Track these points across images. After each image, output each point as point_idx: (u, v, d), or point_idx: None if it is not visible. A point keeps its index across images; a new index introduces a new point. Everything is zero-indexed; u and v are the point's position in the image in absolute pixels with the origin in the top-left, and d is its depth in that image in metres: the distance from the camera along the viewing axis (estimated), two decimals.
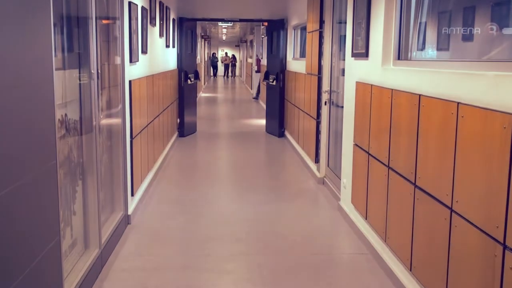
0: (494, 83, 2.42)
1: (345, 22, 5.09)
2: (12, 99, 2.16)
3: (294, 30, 9.38)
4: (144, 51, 5.78)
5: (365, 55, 4.34)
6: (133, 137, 5.02)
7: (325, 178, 6.34)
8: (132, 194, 5.00)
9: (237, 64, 36.79)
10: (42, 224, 2.56)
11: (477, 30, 3.42)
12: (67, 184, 3.41)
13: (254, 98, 18.27)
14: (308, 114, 7.30)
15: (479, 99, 2.49)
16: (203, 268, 3.93)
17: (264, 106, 12.34)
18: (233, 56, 36.68)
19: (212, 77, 34.77)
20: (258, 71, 17.93)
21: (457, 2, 3.75)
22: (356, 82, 4.57)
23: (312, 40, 6.95)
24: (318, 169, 6.55)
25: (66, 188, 3.38)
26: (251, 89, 19.74)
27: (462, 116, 2.61)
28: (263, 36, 16.86)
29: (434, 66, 3.28)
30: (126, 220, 4.71)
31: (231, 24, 16.92)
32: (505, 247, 2.22)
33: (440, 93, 2.92)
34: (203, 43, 22.59)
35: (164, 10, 7.49)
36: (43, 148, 2.56)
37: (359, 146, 4.50)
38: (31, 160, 2.40)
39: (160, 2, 7.08)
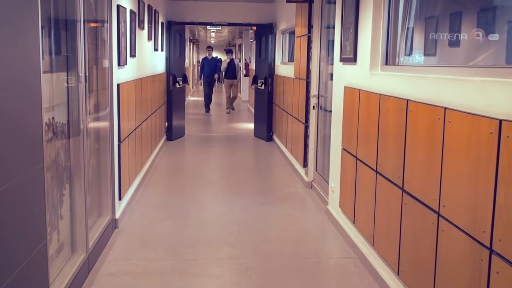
0: (481, 88, 2.44)
1: (334, 27, 5.12)
2: None
3: (283, 34, 9.40)
4: (133, 55, 5.76)
5: (353, 60, 4.36)
6: (121, 140, 5.00)
7: (313, 182, 6.36)
8: (120, 198, 4.97)
9: None
10: (28, 228, 2.54)
11: (463, 36, 3.45)
12: (54, 188, 3.38)
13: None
14: (296, 119, 7.32)
15: (466, 104, 2.51)
16: (191, 272, 3.92)
17: (253, 110, 12.34)
18: (220, 60, 36.59)
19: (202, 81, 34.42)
20: (246, 75, 17.81)
21: (444, 8, 3.78)
22: (344, 86, 4.59)
23: (300, 44, 6.98)
24: (306, 173, 6.56)
25: (53, 191, 3.36)
26: (240, 92, 19.51)
27: (449, 121, 2.63)
28: (251, 40, 16.87)
29: (422, 71, 3.30)
30: (113, 224, 4.69)
31: (220, 28, 16.92)
32: (491, 251, 2.24)
33: (427, 98, 2.94)
34: (191, 46, 22.55)
35: (152, 13, 7.48)
36: (30, 151, 2.54)
37: (347, 151, 4.51)
38: (18, 163, 2.38)
39: (148, 6, 7.07)
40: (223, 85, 15.61)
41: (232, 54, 15.57)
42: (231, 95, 15.10)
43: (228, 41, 29.78)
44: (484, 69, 2.63)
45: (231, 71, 14.82)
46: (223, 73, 14.93)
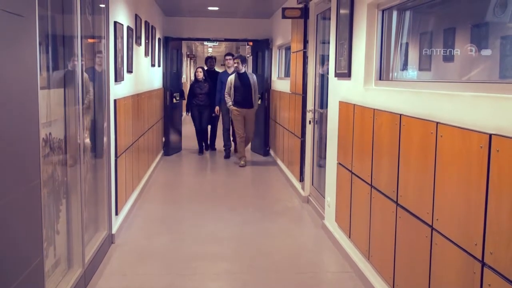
0: (471, 103, 2.48)
1: (329, 42, 5.17)
2: None
3: (279, 49, 9.47)
4: (129, 70, 5.80)
5: (348, 75, 4.41)
6: (118, 156, 5.02)
7: (309, 197, 6.37)
8: (116, 213, 4.98)
9: None
10: (25, 243, 2.55)
11: (457, 51, 3.50)
12: (50, 203, 3.39)
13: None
14: (292, 133, 7.35)
15: (458, 119, 2.55)
16: (189, 287, 3.92)
17: None
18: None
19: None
20: None
21: (438, 24, 3.84)
22: (339, 101, 4.63)
23: (296, 60, 7.03)
24: (303, 188, 6.58)
25: (49, 207, 3.37)
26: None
27: (441, 136, 2.66)
28: (248, 56, 16.95)
29: (415, 87, 3.34)
30: (110, 239, 4.69)
31: (217, 44, 16.98)
32: (483, 264, 2.26)
33: (420, 113, 2.98)
34: (188, 62, 22.64)
35: (149, 29, 7.54)
36: (26, 167, 2.56)
37: (342, 165, 4.54)
38: (15, 179, 2.40)
39: (145, 22, 7.13)
40: (231, 116, 9.37)
41: (245, 63, 9.11)
42: (244, 134, 8.97)
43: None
44: (476, 84, 2.68)
45: (244, 93, 8.83)
46: (231, 95, 8.91)
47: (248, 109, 8.83)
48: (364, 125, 3.94)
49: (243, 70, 8.85)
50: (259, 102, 9.74)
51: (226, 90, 8.93)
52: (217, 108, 9.69)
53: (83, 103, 3.80)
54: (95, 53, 4.49)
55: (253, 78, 8.97)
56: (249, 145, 10.35)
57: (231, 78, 8.90)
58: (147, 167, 7.48)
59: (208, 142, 10.43)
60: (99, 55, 4.42)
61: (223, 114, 9.70)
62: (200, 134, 10.06)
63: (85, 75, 4.11)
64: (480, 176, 2.28)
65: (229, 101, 8.89)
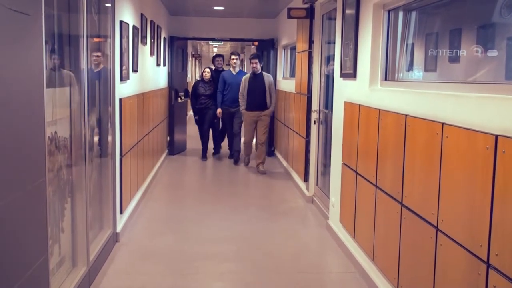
0: (477, 104, 2.47)
1: (334, 43, 5.17)
2: (2, 116, 2.18)
3: (284, 49, 9.47)
4: (135, 70, 5.81)
5: (353, 75, 4.40)
6: (123, 155, 5.03)
7: (314, 197, 6.37)
8: (121, 212, 4.99)
9: None
10: (30, 242, 2.56)
11: (462, 52, 3.48)
12: (55, 202, 3.40)
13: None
14: (297, 133, 7.35)
15: (463, 119, 2.54)
16: (192, 286, 3.93)
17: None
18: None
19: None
20: None
21: (444, 24, 3.83)
22: (345, 102, 4.63)
23: (301, 60, 7.03)
24: (307, 188, 6.57)
25: (54, 205, 3.38)
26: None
27: (447, 137, 2.66)
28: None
29: (420, 87, 3.34)
30: (114, 238, 4.70)
31: (222, 43, 16.95)
32: (488, 265, 2.25)
33: (425, 114, 2.97)
34: (194, 61, 22.66)
35: (155, 29, 7.55)
36: (32, 165, 2.57)
37: (347, 165, 4.54)
38: (20, 177, 2.40)
39: (151, 21, 7.14)
40: (242, 119, 8.80)
41: (260, 62, 8.41)
42: (252, 139, 8.73)
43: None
44: (482, 85, 2.67)
45: (257, 96, 8.29)
46: (243, 97, 8.43)
47: (260, 112, 8.29)
48: (369, 126, 3.93)
49: (259, 71, 8.31)
50: None
51: (240, 91, 8.40)
52: (219, 110, 9.11)
53: (88, 102, 3.80)
54: (92, 52, 4.48)
55: (269, 79, 8.33)
56: (254, 145, 9.26)
57: (246, 78, 8.39)
58: (152, 166, 7.49)
59: (213, 143, 9.99)
60: (94, 53, 4.36)
61: (224, 119, 9.29)
62: (204, 136, 9.57)
63: (68, 73, 3.78)
64: (485, 177, 2.27)
65: (242, 105, 8.43)
